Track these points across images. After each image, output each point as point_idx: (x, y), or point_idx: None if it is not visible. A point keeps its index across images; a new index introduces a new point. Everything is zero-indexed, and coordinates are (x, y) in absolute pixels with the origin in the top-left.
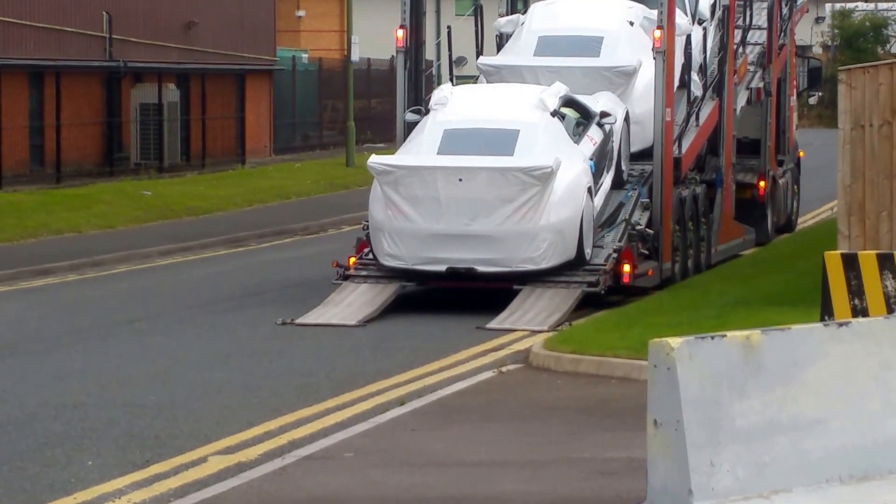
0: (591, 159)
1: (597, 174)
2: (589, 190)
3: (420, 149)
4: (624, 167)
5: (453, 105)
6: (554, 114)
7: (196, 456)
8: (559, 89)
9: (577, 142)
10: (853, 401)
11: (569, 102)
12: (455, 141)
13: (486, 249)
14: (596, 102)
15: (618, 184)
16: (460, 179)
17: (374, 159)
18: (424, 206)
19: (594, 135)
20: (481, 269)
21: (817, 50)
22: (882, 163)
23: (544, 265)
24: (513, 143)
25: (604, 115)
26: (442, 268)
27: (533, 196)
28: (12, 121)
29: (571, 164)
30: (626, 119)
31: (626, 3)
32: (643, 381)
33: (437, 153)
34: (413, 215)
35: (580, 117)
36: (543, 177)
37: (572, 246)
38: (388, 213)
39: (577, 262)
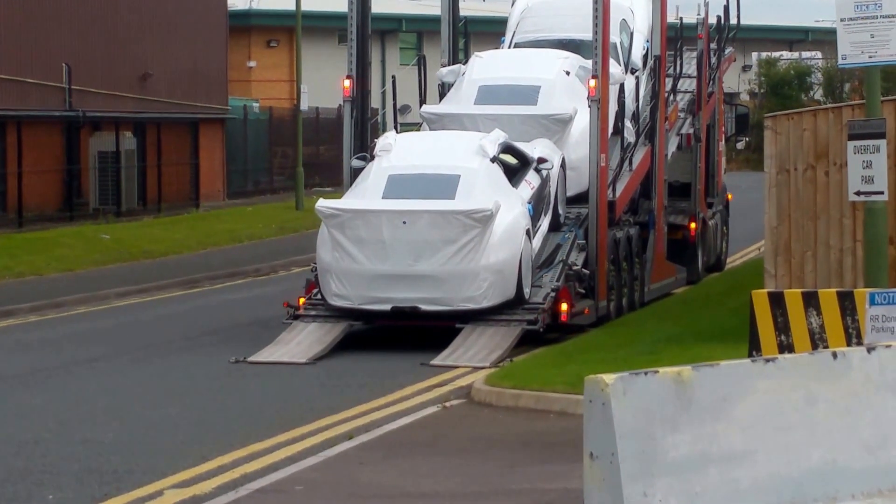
0: (530, 203)
1: (535, 217)
2: (527, 232)
3: (366, 193)
4: (560, 210)
5: (397, 151)
6: (493, 160)
7: (153, 489)
8: (498, 136)
9: (515, 186)
10: (780, 433)
11: (507, 149)
12: (399, 186)
13: (430, 289)
14: (533, 149)
15: (555, 226)
16: (404, 222)
17: (322, 203)
18: (370, 248)
19: (532, 180)
20: (425, 307)
21: (745, 97)
22: (806, 205)
23: (485, 304)
24: (454, 188)
25: (541, 160)
26: (387, 307)
27: (473, 237)
28: None
29: (510, 207)
30: (563, 165)
31: (562, 53)
32: (580, 415)
33: (382, 197)
34: (359, 257)
35: (518, 163)
36: (483, 219)
37: (511, 286)
38: (336, 254)
39: (517, 302)
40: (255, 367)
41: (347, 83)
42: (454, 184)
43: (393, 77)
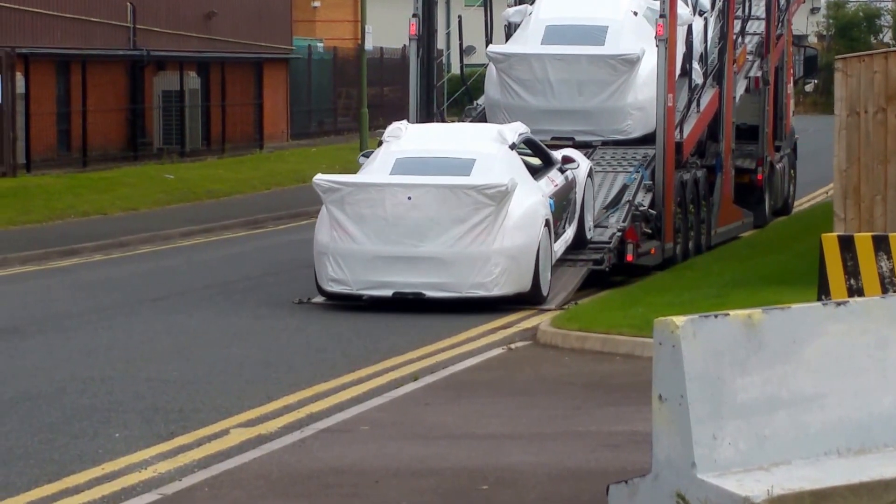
0: (551, 198)
1: (557, 217)
2: (547, 223)
3: (371, 174)
4: (588, 222)
5: (407, 137)
6: (512, 147)
7: (218, 428)
8: (519, 127)
9: (536, 179)
10: (850, 377)
11: (529, 142)
12: (407, 166)
13: (436, 273)
14: (559, 152)
15: (580, 242)
16: (409, 198)
17: (320, 177)
18: (371, 227)
19: (555, 178)
20: (430, 294)
21: (813, 39)
22: (876, 148)
23: (496, 292)
24: (469, 169)
25: (566, 160)
26: (388, 293)
27: (487, 217)
28: (41, 107)
29: (529, 192)
30: (590, 174)
31: None
32: (646, 358)
33: (389, 175)
34: (359, 236)
35: (542, 163)
36: (498, 196)
37: (527, 276)
38: (334, 234)
39: (533, 298)
40: (319, 308)
41: (413, 23)
42: (469, 166)
43: (459, 17)
